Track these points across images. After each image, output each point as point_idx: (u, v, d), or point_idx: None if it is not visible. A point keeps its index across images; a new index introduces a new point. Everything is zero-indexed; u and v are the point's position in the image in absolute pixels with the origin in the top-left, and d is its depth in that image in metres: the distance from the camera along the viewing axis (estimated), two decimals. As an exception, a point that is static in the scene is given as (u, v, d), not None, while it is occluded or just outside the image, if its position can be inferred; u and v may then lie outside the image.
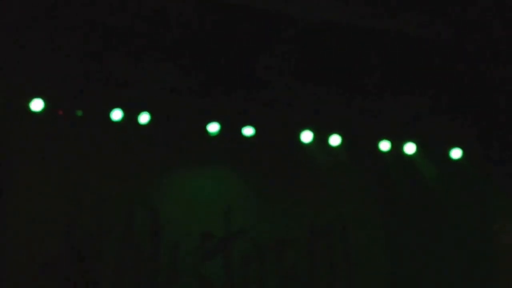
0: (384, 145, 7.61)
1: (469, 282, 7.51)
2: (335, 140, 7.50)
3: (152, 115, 6.98)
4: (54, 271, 6.70)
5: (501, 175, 7.33)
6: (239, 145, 7.43)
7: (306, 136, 7.41)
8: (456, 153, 7.72)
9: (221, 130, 7.24)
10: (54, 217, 6.73)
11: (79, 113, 6.87)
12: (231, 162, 7.50)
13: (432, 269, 7.57)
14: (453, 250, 7.61)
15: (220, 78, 6.96)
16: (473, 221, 7.78)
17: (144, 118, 6.99)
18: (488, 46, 6.90)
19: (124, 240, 7.02)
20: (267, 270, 7.49)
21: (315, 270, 7.65)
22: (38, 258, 6.64)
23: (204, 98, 7.00)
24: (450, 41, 6.91)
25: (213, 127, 7.20)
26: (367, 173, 7.95)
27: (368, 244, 7.87)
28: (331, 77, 7.11)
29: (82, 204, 6.85)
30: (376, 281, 7.68)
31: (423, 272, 7.56)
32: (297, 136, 7.43)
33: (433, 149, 7.75)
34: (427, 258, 7.58)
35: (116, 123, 6.93)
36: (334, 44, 6.90)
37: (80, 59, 6.59)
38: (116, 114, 6.91)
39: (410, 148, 7.63)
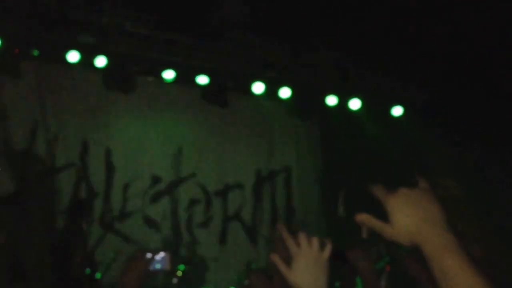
0: (331, 100, 7.76)
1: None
2: (285, 92, 7.58)
3: (109, 58, 6.87)
4: (4, 205, 6.74)
5: (441, 133, 7.49)
6: (192, 92, 7.53)
7: (258, 87, 7.47)
8: (397, 111, 7.93)
9: (176, 78, 7.25)
10: (8, 154, 6.73)
11: (35, 52, 6.80)
12: (183, 108, 7.60)
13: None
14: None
15: (177, 27, 6.99)
16: (411, 176, 8.11)
17: (100, 61, 6.88)
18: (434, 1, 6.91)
19: (77, 178, 7.05)
20: (212, 214, 7.65)
21: (258, 213, 7.87)
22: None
23: (160, 46, 6.97)
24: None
25: (169, 74, 7.22)
26: (313, 125, 8.21)
27: (308, 193, 8.19)
28: (282, 31, 7.10)
29: (37, 143, 6.86)
30: (313, 225, 7.95)
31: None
32: (248, 87, 7.50)
33: (377, 106, 7.93)
34: (362, 206, 7.87)
35: (73, 65, 6.81)
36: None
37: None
38: (73, 56, 6.75)
39: (355, 103, 7.80)
